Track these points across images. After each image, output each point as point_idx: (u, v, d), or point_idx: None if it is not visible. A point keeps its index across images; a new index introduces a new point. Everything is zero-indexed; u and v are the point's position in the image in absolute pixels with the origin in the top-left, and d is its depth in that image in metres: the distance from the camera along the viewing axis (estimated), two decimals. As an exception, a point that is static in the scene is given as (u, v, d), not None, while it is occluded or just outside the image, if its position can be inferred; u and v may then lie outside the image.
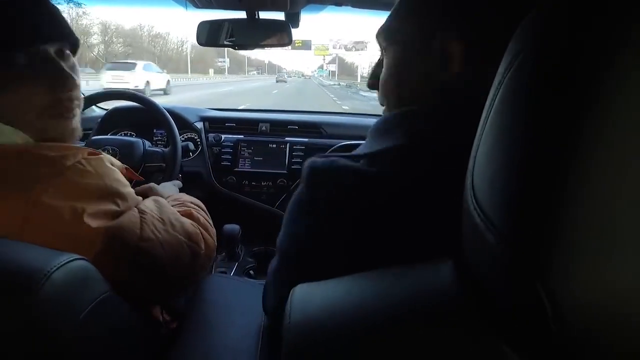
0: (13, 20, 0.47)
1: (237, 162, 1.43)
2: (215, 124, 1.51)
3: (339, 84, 36.58)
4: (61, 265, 0.37)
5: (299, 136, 1.46)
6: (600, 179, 0.19)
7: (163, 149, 1.15)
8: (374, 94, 0.52)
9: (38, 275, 0.35)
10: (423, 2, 0.44)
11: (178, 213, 0.63)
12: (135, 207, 0.55)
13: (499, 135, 0.24)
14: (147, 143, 1.13)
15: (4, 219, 0.44)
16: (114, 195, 0.51)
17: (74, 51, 0.56)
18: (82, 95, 0.57)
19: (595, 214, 0.19)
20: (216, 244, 0.70)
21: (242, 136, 1.47)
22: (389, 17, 0.48)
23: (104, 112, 1.46)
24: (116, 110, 1.42)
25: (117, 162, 0.60)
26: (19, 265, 0.36)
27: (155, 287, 0.57)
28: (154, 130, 1.46)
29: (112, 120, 1.40)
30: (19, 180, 0.45)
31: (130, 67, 13.93)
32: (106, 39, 50.28)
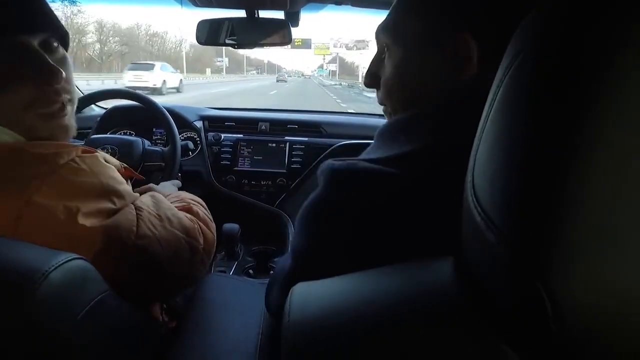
0: None
1: (237, 161, 1.43)
2: (215, 123, 1.51)
3: (340, 84, 35.61)
4: (59, 265, 0.37)
5: (299, 135, 1.46)
6: (601, 178, 0.19)
7: (162, 148, 1.15)
8: (379, 96, 0.49)
9: (36, 274, 0.35)
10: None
11: (175, 208, 0.62)
12: (132, 203, 0.54)
13: (499, 135, 0.24)
14: (147, 142, 1.13)
15: (1, 217, 0.44)
16: (109, 193, 0.50)
17: (65, 44, 0.54)
18: (78, 91, 0.55)
19: (595, 214, 0.19)
20: (216, 239, 0.69)
21: (241, 135, 1.47)
22: (393, 13, 0.46)
23: (103, 111, 1.46)
24: (115, 110, 1.41)
25: (114, 160, 0.59)
26: (16, 265, 0.36)
27: (154, 285, 0.56)
28: (154, 130, 1.46)
29: (112, 119, 1.40)
30: (11, 179, 0.44)
31: (150, 67, 15.66)
32: (101, 38, 49.83)
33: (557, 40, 0.21)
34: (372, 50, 0.51)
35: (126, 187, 0.55)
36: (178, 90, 16.55)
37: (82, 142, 1.06)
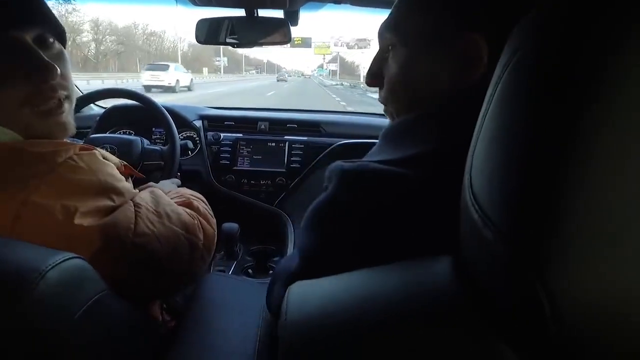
0: None
1: (236, 160, 1.43)
2: (214, 122, 1.51)
3: (342, 84, 34.52)
4: (56, 264, 0.37)
5: (298, 135, 1.46)
6: (600, 177, 0.19)
7: (162, 147, 1.15)
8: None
9: (32, 274, 0.35)
10: None
11: (175, 204, 0.61)
12: (131, 200, 0.54)
13: (497, 132, 0.24)
14: (146, 141, 1.13)
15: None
16: (108, 190, 0.50)
17: (62, 40, 0.53)
18: (77, 89, 0.54)
19: (594, 213, 0.19)
20: (216, 234, 0.69)
21: (241, 135, 1.46)
22: (397, 11, 0.45)
23: (103, 110, 1.46)
24: (115, 109, 1.41)
25: (112, 157, 0.59)
26: (12, 264, 0.36)
27: (154, 283, 0.56)
28: (153, 129, 1.45)
29: (111, 119, 1.40)
30: (10, 179, 0.44)
31: (165, 68, 17.66)
32: (96, 37, 49.36)
33: (557, 39, 0.21)
34: (374, 49, 0.51)
35: (125, 184, 0.54)
36: (189, 88, 18.09)
37: (82, 142, 1.06)
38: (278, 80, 40.30)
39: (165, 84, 16.54)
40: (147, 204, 0.55)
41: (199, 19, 1.06)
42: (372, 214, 0.38)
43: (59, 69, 0.48)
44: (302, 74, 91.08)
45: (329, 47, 67.45)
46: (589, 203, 0.19)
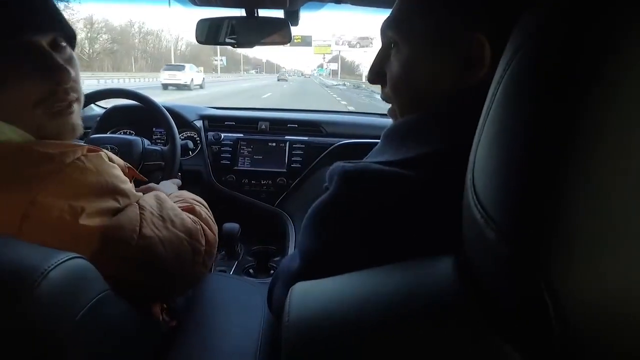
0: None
1: (237, 160, 1.43)
2: (215, 122, 1.51)
3: (345, 84, 32.67)
4: (58, 264, 0.37)
5: (299, 135, 1.46)
6: (601, 176, 0.19)
7: (162, 147, 1.15)
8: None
9: (35, 273, 0.35)
10: None
11: (178, 208, 0.62)
12: (137, 202, 0.54)
13: (499, 132, 0.24)
14: (146, 141, 1.13)
15: (3, 218, 0.44)
16: (113, 192, 0.51)
17: (72, 43, 0.55)
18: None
19: (596, 212, 0.19)
20: (217, 240, 0.69)
21: (241, 135, 1.46)
22: (400, 9, 0.45)
23: (103, 110, 1.46)
24: (115, 109, 1.41)
25: (118, 159, 0.59)
26: (15, 264, 0.36)
27: (156, 286, 0.57)
28: (154, 129, 1.46)
29: (111, 119, 1.40)
30: (18, 178, 0.45)
31: (181, 68, 20.37)
32: (89, 35, 48.52)
33: (557, 38, 0.21)
34: (376, 48, 0.50)
35: (130, 186, 0.55)
36: (201, 86, 20.57)
37: (83, 142, 1.06)
38: (279, 80, 40.40)
39: (182, 82, 19.03)
40: (152, 208, 0.56)
41: (199, 18, 1.06)
42: (373, 215, 0.38)
43: (72, 72, 0.51)
44: (302, 74, 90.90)
45: (329, 46, 66.98)
46: (590, 202, 0.19)
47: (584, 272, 0.20)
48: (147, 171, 1.06)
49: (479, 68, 0.39)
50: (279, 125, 1.48)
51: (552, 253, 0.20)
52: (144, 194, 0.61)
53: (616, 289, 0.20)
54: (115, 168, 0.53)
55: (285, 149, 1.42)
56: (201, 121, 1.49)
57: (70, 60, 0.52)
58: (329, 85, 30.63)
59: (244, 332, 0.69)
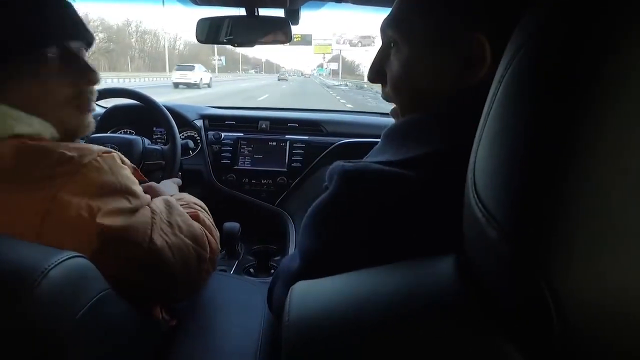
0: (47, 19, 0.51)
1: (237, 160, 1.43)
2: (215, 121, 1.51)
3: (347, 85, 31.64)
4: (58, 263, 0.37)
5: (299, 134, 1.46)
6: (602, 174, 0.19)
7: (163, 146, 1.15)
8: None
9: (35, 272, 0.35)
10: None
11: (187, 215, 0.64)
12: (148, 206, 0.56)
13: (500, 132, 0.24)
14: (147, 141, 1.13)
15: (25, 214, 0.45)
16: (125, 192, 0.52)
17: (88, 49, 0.60)
18: None
19: (597, 210, 0.19)
20: (219, 248, 0.70)
21: (242, 134, 1.46)
22: (400, 8, 0.45)
23: (104, 110, 1.46)
24: (115, 109, 1.42)
25: (127, 161, 0.61)
26: (15, 263, 0.36)
27: (161, 290, 0.58)
28: (154, 129, 1.46)
29: (112, 118, 1.40)
30: (39, 176, 0.46)
31: (191, 68, 22.03)
32: None
33: (558, 38, 0.21)
34: (378, 47, 0.50)
35: (139, 187, 0.57)
36: (209, 85, 22.40)
37: (83, 141, 1.06)
38: (279, 80, 40.44)
39: (192, 81, 20.95)
40: (161, 213, 0.58)
41: (199, 18, 1.06)
42: (374, 215, 0.38)
43: (98, 74, 0.57)
44: (302, 74, 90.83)
45: (330, 45, 66.49)
46: (590, 201, 0.19)
47: (583, 271, 0.20)
48: (147, 171, 1.06)
49: (479, 68, 0.39)
50: (280, 125, 1.48)
51: (551, 252, 0.20)
52: (145, 192, 0.62)
53: (616, 288, 0.20)
54: (126, 169, 0.55)
55: (286, 149, 1.42)
56: (201, 120, 1.49)
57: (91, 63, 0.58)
58: (330, 86, 29.93)
59: (244, 331, 0.69)
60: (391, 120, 0.50)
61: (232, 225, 1.25)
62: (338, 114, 1.69)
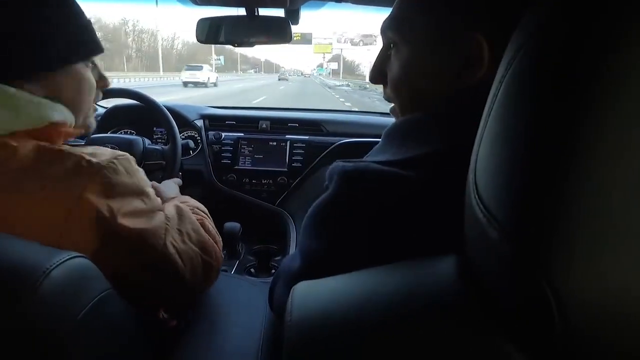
0: (92, 33, 0.58)
1: (238, 160, 1.43)
2: (215, 121, 1.51)
3: (349, 85, 30.28)
4: (60, 263, 0.37)
5: (300, 134, 1.46)
6: (602, 174, 0.19)
7: (163, 146, 1.15)
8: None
9: (37, 272, 0.35)
10: None
11: (197, 223, 0.65)
12: (162, 211, 0.58)
13: (501, 132, 0.24)
14: (147, 141, 1.13)
15: (49, 213, 0.46)
16: (141, 193, 0.54)
17: None
18: None
19: (597, 210, 0.19)
20: (222, 255, 0.72)
21: (242, 134, 1.46)
22: (400, 9, 0.45)
23: (104, 110, 1.46)
24: (116, 109, 1.42)
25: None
26: (17, 262, 0.36)
27: (170, 295, 0.59)
28: (154, 129, 1.46)
29: (112, 119, 1.40)
30: (62, 177, 0.48)
31: (200, 68, 24.22)
32: None
33: (558, 38, 0.21)
34: (380, 46, 0.51)
35: (152, 189, 0.59)
36: (215, 84, 24.24)
37: (83, 142, 1.06)
38: (279, 79, 40.56)
39: (200, 80, 22.87)
40: (173, 219, 0.60)
41: (199, 18, 1.05)
42: (374, 215, 0.38)
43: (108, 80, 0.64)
44: (302, 73, 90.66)
45: (330, 44, 65.84)
46: (591, 201, 0.19)
47: (584, 271, 0.20)
48: (148, 171, 1.06)
49: (478, 68, 0.39)
50: (280, 125, 1.48)
51: (553, 252, 0.20)
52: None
53: (617, 288, 0.20)
54: (140, 171, 0.58)
55: (286, 148, 1.42)
56: (202, 120, 1.49)
57: None
58: (332, 86, 29.16)
59: (245, 331, 0.70)
60: (391, 120, 0.50)
61: (233, 225, 1.25)
62: (338, 114, 1.69)
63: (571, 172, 0.19)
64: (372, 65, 0.51)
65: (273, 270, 1.28)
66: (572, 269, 0.20)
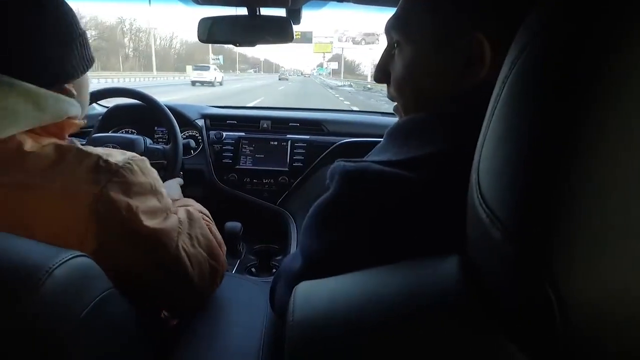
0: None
1: (239, 159, 1.43)
2: (217, 121, 1.51)
3: (351, 85, 29.48)
4: (63, 262, 0.37)
5: (301, 133, 1.46)
6: (604, 175, 0.19)
7: (164, 146, 1.15)
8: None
9: (40, 271, 0.35)
10: None
11: (207, 229, 0.67)
12: (175, 214, 0.60)
13: (505, 132, 0.24)
14: (148, 140, 1.13)
15: (71, 210, 0.47)
16: (156, 192, 0.56)
17: None
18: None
19: (598, 211, 0.19)
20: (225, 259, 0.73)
21: (243, 133, 1.47)
22: (404, 9, 0.45)
23: (105, 109, 1.46)
24: (117, 108, 1.42)
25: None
26: (20, 262, 0.36)
27: (180, 297, 0.61)
28: (155, 128, 1.46)
29: (113, 118, 1.40)
30: (84, 175, 0.49)
31: (207, 68, 26.34)
32: None
33: (560, 38, 0.21)
34: (382, 45, 0.51)
35: (164, 189, 0.60)
36: (221, 83, 25.86)
37: (84, 141, 1.06)
38: (280, 79, 40.79)
39: (207, 80, 24.55)
40: (185, 224, 0.62)
41: (201, 17, 1.05)
42: (375, 215, 0.38)
43: None
44: (302, 73, 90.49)
45: (330, 43, 65.15)
46: (593, 202, 0.19)
47: (586, 271, 0.20)
48: None
49: (479, 67, 0.39)
50: (281, 124, 1.48)
51: (554, 252, 0.20)
52: None
53: (618, 289, 0.20)
54: (155, 172, 0.59)
55: (287, 148, 1.42)
56: (203, 120, 1.49)
57: None
58: (333, 87, 28.34)
59: (246, 331, 0.70)
60: (393, 120, 0.50)
61: (234, 224, 1.25)
62: (339, 114, 1.69)
63: (572, 173, 0.19)
64: (376, 65, 0.51)
65: (274, 270, 1.29)
66: (573, 269, 0.20)
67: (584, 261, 0.20)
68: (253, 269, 1.29)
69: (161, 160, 1.11)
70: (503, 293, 0.24)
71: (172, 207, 0.60)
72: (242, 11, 1.02)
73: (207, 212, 0.79)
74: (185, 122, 1.43)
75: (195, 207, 0.77)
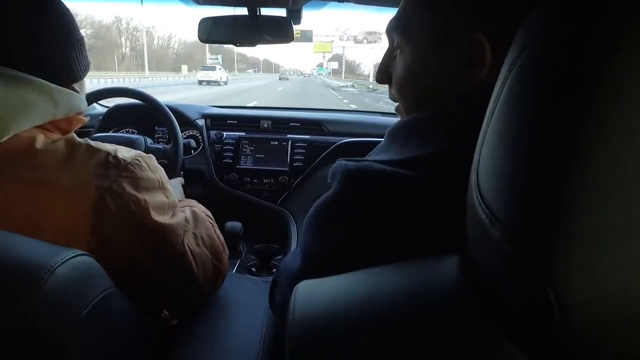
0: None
1: (239, 159, 1.43)
2: (217, 121, 1.51)
3: (354, 86, 28.98)
4: (64, 261, 0.37)
5: (301, 133, 1.46)
6: (604, 175, 0.19)
7: (165, 146, 1.15)
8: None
9: (41, 270, 0.35)
10: None
11: (212, 229, 0.68)
12: (181, 212, 0.61)
13: (504, 132, 0.24)
14: (149, 140, 1.13)
15: (81, 205, 0.47)
16: (163, 188, 0.57)
17: None
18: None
19: (598, 211, 0.19)
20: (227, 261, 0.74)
21: (243, 133, 1.47)
22: (405, 10, 0.45)
23: (105, 109, 1.46)
24: (117, 108, 1.42)
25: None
26: (22, 260, 0.36)
27: (183, 296, 0.61)
28: (156, 128, 1.46)
29: (114, 118, 1.40)
30: (93, 170, 0.50)
31: (214, 68, 28.32)
32: None
33: (560, 38, 0.21)
34: (384, 44, 0.51)
35: (170, 185, 0.61)
36: (225, 83, 27.31)
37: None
38: (280, 79, 40.96)
39: (213, 79, 26.33)
40: (190, 223, 0.62)
41: (202, 17, 1.06)
42: (376, 215, 0.38)
43: None
44: (302, 73, 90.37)
45: (331, 42, 64.57)
46: (592, 201, 0.19)
47: (585, 271, 0.20)
48: None
49: (479, 68, 0.39)
50: (281, 124, 1.48)
51: (554, 252, 0.20)
52: None
53: (617, 289, 0.20)
54: (161, 168, 0.60)
55: (288, 148, 1.42)
56: (203, 120, 1.49)
57: None
58: (335, 87, 27.62)
59: (247, 330, 0.70)
60: (393, 120, 0.51)
61: (234, 224, 1.25)
62: (340, 114, 1.69)
63: (572, 173, 0.19)
64: (378, 66, 0.51)
65: (274, 270, 1.29)
66: (573, 269, 0.20)
67: (583, 261, 0.20)
68: (253, 269, 1.29)
69: (162, 160, 1.11)
70: (503, 293, 0.24)
71: (178, 205, 0.61)
72: (242, 11, 1.02)
73: (210, 214, 0.80)
74: (186, 121, 1.43)
75: (199, 208, 0.78)
